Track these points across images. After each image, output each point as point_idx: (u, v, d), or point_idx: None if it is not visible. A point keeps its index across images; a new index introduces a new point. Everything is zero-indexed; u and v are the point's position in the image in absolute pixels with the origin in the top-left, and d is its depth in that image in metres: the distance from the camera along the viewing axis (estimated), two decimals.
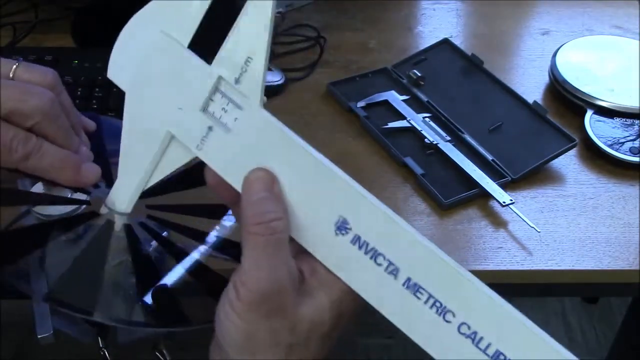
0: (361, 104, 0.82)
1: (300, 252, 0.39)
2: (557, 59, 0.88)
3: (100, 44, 0.93)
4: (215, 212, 0.50)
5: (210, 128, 0.39)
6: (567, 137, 0.77)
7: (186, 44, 0.40)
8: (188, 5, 0.40)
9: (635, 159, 0.77)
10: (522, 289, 0.70)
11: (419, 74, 0.85)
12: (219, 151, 0.39)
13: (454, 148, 0.77)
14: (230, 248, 0.47)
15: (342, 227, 0.37)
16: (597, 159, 0.78)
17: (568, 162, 0.78)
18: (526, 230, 0.69)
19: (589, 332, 1.53)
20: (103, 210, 0.44)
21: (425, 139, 0.78)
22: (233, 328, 0.36)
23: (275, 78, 0.85)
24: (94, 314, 0.40)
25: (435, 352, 0.35)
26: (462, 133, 0.79)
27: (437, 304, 0.35)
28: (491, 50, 0.93)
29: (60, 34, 0.93)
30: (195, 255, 0.46)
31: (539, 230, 0.68)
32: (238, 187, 0.39)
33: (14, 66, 0.43)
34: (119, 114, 0.78)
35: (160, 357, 0.43)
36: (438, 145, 0.77)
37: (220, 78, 0.39)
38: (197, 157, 0.41)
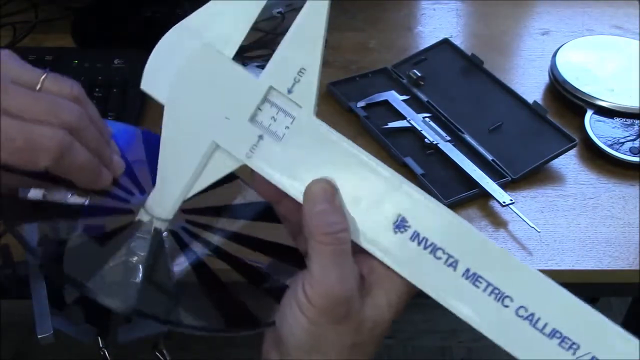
0: (361, 104, 0.82)
1: (356, 251, 0.40)
2: (557, 59, 0.88)
3: (100, 44, 0.94)
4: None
5: (260, 137, 0.40)
6: (567, 137, 0.77)
7: (231, 56, 0.41)
8: (234, 19, 0.41)
9: (635, 159, 0.77)
10: None
11: (419, 74, 0.85)
12: (270, 159, 0.40)
13: (454, 148, 0.77)
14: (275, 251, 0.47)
15: (400, 225, 0.38)
16: (597, 159, 0.78)
17: (568, 162, 0.78)
18: (526, 230, 0.69)
19: None
20: (143, 217, 0.44)
21: (425, 139, 0.78)
22: (301, 330, 0.38)
23: None
24: (178, 322, 0.39)
25: (495, 336, 0.38)
26: (462, 133, 0.79)
27: (496, 291, 0.37)
28: (491, 50, 0.93)
29: (60, 34, 0.93)
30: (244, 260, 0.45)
31: (539, 230, 0.68)
32: (291, 192, 0.40)
33: (42, 77, 0.43)
34: (119, 115, 0.78)
35: (160, 357, 0.43)
36: (438, 145, 0.77)
37: (270, 88, 0.40)
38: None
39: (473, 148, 0.78)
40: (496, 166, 0.75)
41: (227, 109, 0.40)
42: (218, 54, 0.41)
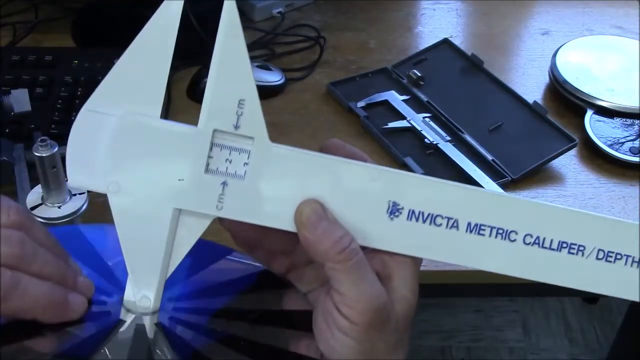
0: (361, 104, 0.82)
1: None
2: (557, 59, 0.88)
3: (100, 44, 0.94)
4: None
5: (224, 184, 0.38)
6: (567, 137, 0.77)
7: (158, 114, 0.38)
8: (144, 76, 0.38)
9: (635, 159, 0.77)
10: (522, 289, 0.70)
11: (419, 74, 0.85)
12: (242, 202, 0.38)
13: (454, 148, 0.77)
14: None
15: (394, 210, 0.39)
16: (597, 159, 0.78)
17: (568, 162, 0.78)
18: None
19: (589, 332, 1.53)
20: (126, 316, 0.40)
21: (425, 139, 0.78)
22: (354, 352, 0.37)
23: (275, 78, 0.85)
24: None
25: (518, 271, 0.39)
26: (462, 133, 0.79)
27: (500, 231, 0.38)
28: (491, 50, 0.93)
29: (60, 34, 0.93)
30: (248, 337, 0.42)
31: None
32: (274, 225, 0.39)
33: None
34: None
35: (161, 356, 0.42)
36: (438, 145, 0.77)
37: (215, 131, 0.38)
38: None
39: (473, 148, 0.78)
40: (496, 166, 0.75)
41: (177, 170, 0.38)
42: (144, 119, 0.38)
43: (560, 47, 0.90)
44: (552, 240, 0.39)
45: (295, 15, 0.98)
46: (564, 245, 0.39)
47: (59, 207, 0.61)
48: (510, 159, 0.76)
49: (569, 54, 0.89)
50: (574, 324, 1.55)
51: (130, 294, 0.39)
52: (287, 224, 0.38)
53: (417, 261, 0.39)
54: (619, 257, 0.38)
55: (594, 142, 0.79)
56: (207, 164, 0.38)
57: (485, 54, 0.88)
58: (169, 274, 0.39)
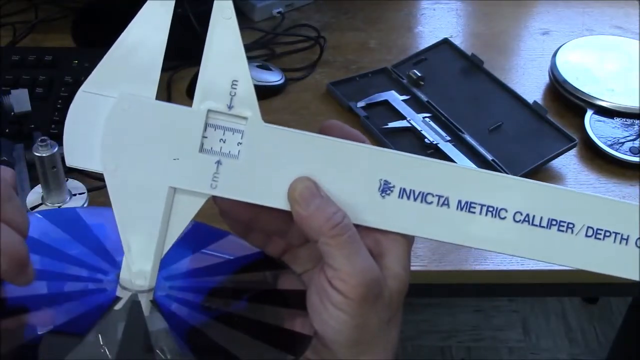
0: (361, 104, 0.82)
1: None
2: (557, 59, 0.88)
3: (100, 44, 0.94)
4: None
5: (218, 162, 0.39)
6: (567, 137, 0.77)
7: (153, 95, 0.39)
8: (139, 56, 0.39)
9: (635, 159, 0.77)
10: (522, 289, 0.70)
11: (419, 74, 0.85)
12: (236, 181, 0.39)
13: (454, 148, 0.77)
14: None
15: (385, 188, 0.39)
16: (597, 159, 0.78)
17: (568, 162, 0.78)
18: None
19: (589, 332, 1.53)
20: (121, 293, 0.40)
21: (425, 139, 0.78)
22: (347, 327, 0.38)
23: (275, 78, 0.85)
24: None
25: (510, 249, 0.39)
26: (462, 133, 0.79)
27: (490, 209, 0.39)
28: (491, 50, 0.93)
29: (60, 34, 0.93)
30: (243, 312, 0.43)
31: None
32: (268, 203, 0.39)
33: None
34: None
35: (161, 356, 0.43)
36: (438, 145, 0.77)
37: (209, 112, 0.39)
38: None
39: (473, 148, 0.78)
40: (496, 166, 0.75)
41: (172, 150, 0.39)
42: (139, 99, 0.39)
43: (560, 47, 0.90)
44: (541, 218, 0.39)
45: (295, 15, 0.98)
46: (554, 222, 0.39)
47: (59, 207, 0.61)
48: (510, 159, 0.76)
49: (569, 54, 0.89)
50: (574, 324, 1.55)
51: (126, 272, 0.40)
52: (280, 202, 0.39)
53: (409, 239, 0.40)
54: (607, 234, 0.39)
55: (594, 142, 0.79)
56: (202, 144, 0.39)
57: (485, 54, 0.88)
58: (164, 253, 0.40)
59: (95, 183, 0.67)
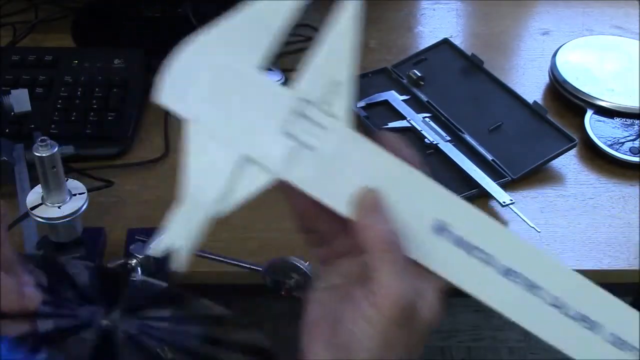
0: (361, 104, 0.82)
1: None
2: (557, 59, 0.88)
3: (100, 44, 0.94)
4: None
5: (295, 149, 0.40)
6: (567, 137, 0.77)
7: (257, 64, 0.40)
8: (257, 28, 0.41)
9: (635, 159, 0.77)
10: None
11: (419, 74, 0.85)
12: (305, 171, 0.40)
13: (454, 148, 0.77)
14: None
15: (439, 228, 0.40)
16: (597, 159, 0.78)
17: (568, 162, 0.78)
18: (526, 230, 0.69)
19: None
20: (154, 252, 0.41)
21: (425, 139, 0.78)
22: (371, 343, 0.38)
23: (275, 78, 0.85)
24: None
25: (532, 327, 0.40)
26: (462, 133, 0.79)
27: (528, 282, 0.40)
28: (491, 50, 0.93)
29: (60, 34, 0.93)
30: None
31: (539, 230, 0.68)
32: (330, 203, 0.40)
33: None
34: (119, 114, 0.78)
35: (161, 355, 0.42)
36: (438, 145, 0.77)
37: (303, 100, 0.40)
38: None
39: (473, 148, 0.78)
40: (496, 166, 0.75)
41: (257, 123, 0.40)
42: (245, 67, 0.40)
43: (560, 47, 0.90)
44: (575, 311, 0.40)
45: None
46: (584, 319, 0.40)
47: (59, 207, 0.61)
48: (510, 159, 0.76)
49: (569, 54, 0.89)
50: None
51: (174, 224, 0.40)
52: (341, 207, 0.40)
53: (445, 282, 0.41)
54: (630, 348, 0.39)
55: (594, 142, 0.79)
56: (286, 127, 0.40)
57: (485, 54, 0.88)
58: (215, 215, 0.40)
59: (95, 183, 0.67)
